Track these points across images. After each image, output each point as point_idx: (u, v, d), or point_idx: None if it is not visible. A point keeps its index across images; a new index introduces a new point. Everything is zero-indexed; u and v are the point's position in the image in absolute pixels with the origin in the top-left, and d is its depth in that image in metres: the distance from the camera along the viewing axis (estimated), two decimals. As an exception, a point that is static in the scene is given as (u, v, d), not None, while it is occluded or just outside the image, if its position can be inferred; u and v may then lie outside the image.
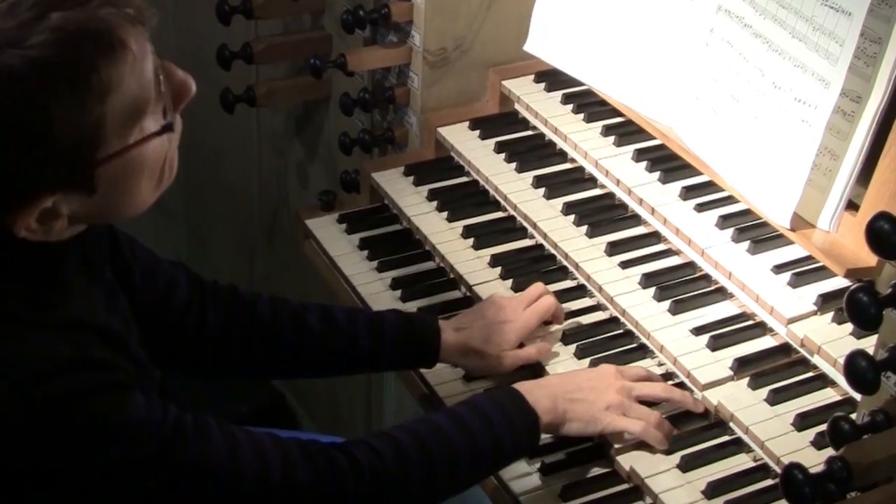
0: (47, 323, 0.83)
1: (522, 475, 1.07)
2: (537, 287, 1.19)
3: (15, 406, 0.80)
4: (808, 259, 1.16)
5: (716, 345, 1.14)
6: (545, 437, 1.08)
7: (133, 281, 1.03)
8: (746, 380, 1.10)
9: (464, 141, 1.43)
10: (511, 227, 1.35)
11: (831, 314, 1.11)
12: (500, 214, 1.38)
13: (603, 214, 1.31)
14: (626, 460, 1.06)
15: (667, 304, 1.19)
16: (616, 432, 1.05)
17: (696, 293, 1.20)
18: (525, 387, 1.04)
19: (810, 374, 1.11)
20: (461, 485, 1.00)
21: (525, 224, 1.33)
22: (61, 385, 0.80)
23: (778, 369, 1.11)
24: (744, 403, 1.08)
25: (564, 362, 1.16)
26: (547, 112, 1.40)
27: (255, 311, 1.10)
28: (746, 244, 1.20)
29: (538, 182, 1.36)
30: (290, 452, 0.91)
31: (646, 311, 1.18)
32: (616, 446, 1.08)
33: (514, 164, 1.39)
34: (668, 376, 1.15)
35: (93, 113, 0.78)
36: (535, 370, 1.16)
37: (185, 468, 0.86)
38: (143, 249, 1.08)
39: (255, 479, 0.88)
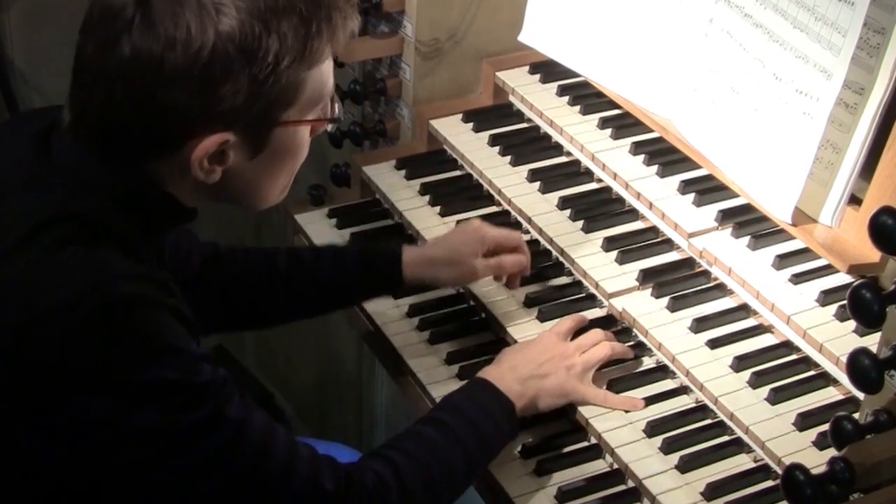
0: (133, 255, 0.88)
1: (518, 476, 1.06)
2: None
3: (86, 301, 0.82)
4: (810, 255, 1.14)
5: (715, 342, 1.12)
6: (540, 434, 1.08)
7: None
8: (747, 378, 1.08)
9: (457, 134, 1.41)
10: (505, 223, 1.33)
11: (833, 311, 1.09)
12: (494, 209, 1.35)
13: (600, 209, 1.30)
14: (624, 461, 1.05)
15: (665, 300, 1.17)
16: (582, 402, 1.08)
17: (695, 290, 1.18)
18: (493, 374, 1.06)
19: (812, 373, 1.09)
20: (458, 491, 1.02)
21: (520, 219, 1.31)
22: (137, 288, 0.84)
23: (779, 368, 1.10)
24: (744, 403, 1.06)
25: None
26: (542, 104, 1.38)
27: (232, 261, 1.17)
28: (747, 239, 1.18)
29: (533, 176, 1.34)
30: (318, 458, 0.93)
31: (644, 308, 1.16)
32: (613, 447, 1.06)
33: (508, 158, 1.37)
34: (666, 374, 1.13)
35: (299, 74, 0.87)
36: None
37: (224, 420, 0.87)
38: None
39: (283, 464, 0.90)
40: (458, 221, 1.32)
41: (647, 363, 1.15)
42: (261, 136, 0.88)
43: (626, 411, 1.08)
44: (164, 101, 0.84)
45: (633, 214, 1.29)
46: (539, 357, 1.08)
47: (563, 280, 1.26)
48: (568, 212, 1.29)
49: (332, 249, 1.21)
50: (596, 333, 1.13)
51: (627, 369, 1.14)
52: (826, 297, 1.10)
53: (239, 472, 0.88)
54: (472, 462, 1.01)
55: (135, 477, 0.87)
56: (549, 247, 1.28)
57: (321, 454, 0.94)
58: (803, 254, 1.15)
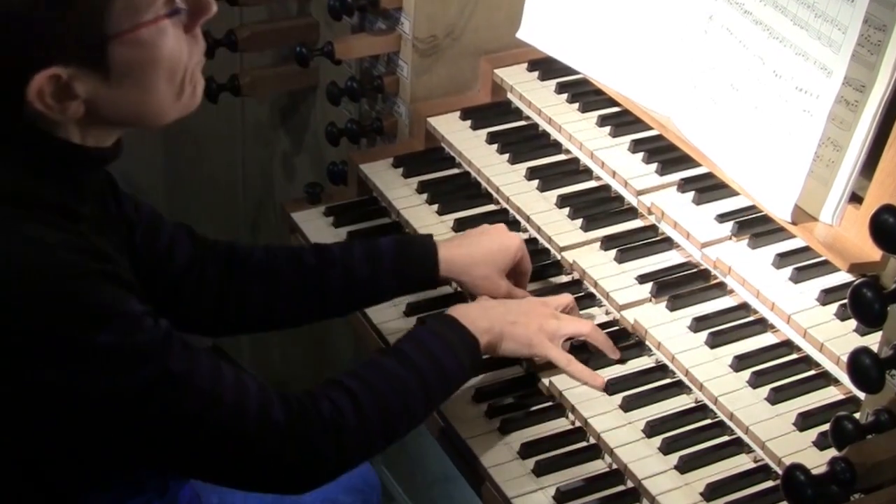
0: (64, 225, 0.87)
1: (516, 476, 1.05)
2: None
3: (20, 279, 0.83)
4: (811, 253, 1.13)
5: (715, 342, 1.11)
6: (537, 433, 1.08)
7: (133, 239, 1.07)
8: (746, 378, 1.08)
9: (455, 131, 1.40)
10: (503, 221, 1.32)
11: (834, 310, 1.09)
12: (492, 207, 1.35)
13: (598, 207, 1.29)
14: (623, 461, 1.04)
15: (665, 300, 1.16)
16: (545, 357, 1.09)
17: (694, 289, 1.18)
18: (460, 311, 1.07)
19: (812, 372, 1.09)
20: (416, 420, 1.03)
21: (518, 217, 1.31)
22: (68, 261, 0.85)
23: (779, 367, 1.09)
24: (744, 402, 1.05)
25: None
26: (540, 102, 1.37)
27: (252, 258, 1.13)
28: (747, 238, 1.17)
29: (531, 174, 1.33)
30: (267, 391, 0.94)
31: (643, 308, 1.16)
32: (612, 447, 1.05)
33: (506, 156, 1.36)
34: (665, 374, 1.13)
35: None
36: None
37: (169, 375, 0.88)
38: (148, 208, 1.12)
39: (232, 406, 0.91)
40: (456, 220, 1.31)
41: (647, 362, 1.14)
42: (96, 58, 0.84)
43: (609, 396, 1.08)
44: None
45: (633, 213, 1.28)
46: (515, 308, 1.09)
47: (562, 279, 1.25)
48: (567, 210, 1.28)
49: (363, 243, 1.15)
50: (586, 320, 1.13)
51: (627, 368, 1.13)
52: (826, 296, 1.09)
53: (190, 422, 0.89)
54: (430, 394, 1.01)
55: (90, 440, 0.88)
56: (547, 245, 1.27)
57: (265, 384, 0.94)
58: (804, 252, 1.14)
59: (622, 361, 1.13)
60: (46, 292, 0.84)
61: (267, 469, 0.93)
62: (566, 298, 1.15)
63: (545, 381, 1.12)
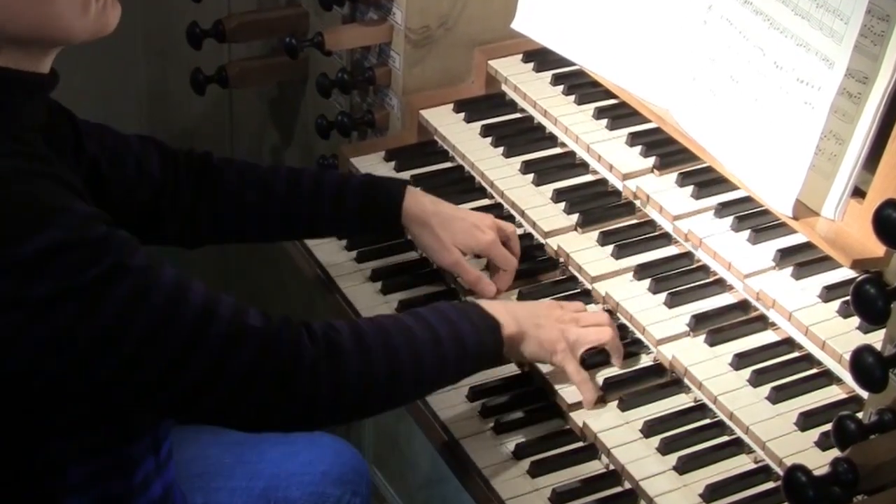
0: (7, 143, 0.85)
1: (511, 478, 1.03)
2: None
3: None
4: (812, 249, 1.11)
5: (714, 339, 1.10)
6: (533, 433, 1.06)
7: (101, 172, 1.06)
8: (747, 377, 1.06)
9: (448, 124, 1.38)
10: (498, 216, 1.30)
11: (836, 307, 1.07)
12: (486, 202, 1.33)
13: (595, 202, 1.27)
14: (620, 462, 1.02)
15: (663, 296, 1.14)
16: (561, 368, 1.07)
17: (693, 285, 1.16)
18: (484, 302, 1.06)
19: (814, 371, 1.07)
20: (426, 379, 0.99)
21: (513, 212, 1.28)
22: (8, 165, 0.82)
23: (780, 366, 1.07)
24: (744, 402, 1.03)
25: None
26: (536, 94, 1.35)
27: (223, 180, 1.16)
28: (747, 233, 1.16)
29: (527, 168, 1.31)
30: (244, 304, 0.89)
31: (641, 304, 1.13)
32: (609, 448, 1.03)
33: (501, 149, 1.34)
34: (664, 372, 1.11)
35: None
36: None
37: (128, 269, 0.83)
38: (113, 135, 1.12)
39: (200, 307, 0.86)
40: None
41: (644, 361, 1.12)
42: None
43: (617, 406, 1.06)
44: None
45: (630, 208, 1.26)
46: (540, 311, 1.07)
47: (558, 275, 1.23)
48: (562, 205, 1.26)
49: (333, 183, 1.18)
50: (600, 315, 1.11)
51: (625, 367, 1.11)
52: (829, 293, 1.08)
53: (153, 320, 0.83)
54: (442, 353, 0.96)
55: (52, 352, 0.83)
56: (543, 241, 1.25)
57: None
58: (805, 248, 1.12)
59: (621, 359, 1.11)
60: None
61: (244, 384, 0.85)
62: (576, 305, 1.12)
63: (541, 374, 1.10)
